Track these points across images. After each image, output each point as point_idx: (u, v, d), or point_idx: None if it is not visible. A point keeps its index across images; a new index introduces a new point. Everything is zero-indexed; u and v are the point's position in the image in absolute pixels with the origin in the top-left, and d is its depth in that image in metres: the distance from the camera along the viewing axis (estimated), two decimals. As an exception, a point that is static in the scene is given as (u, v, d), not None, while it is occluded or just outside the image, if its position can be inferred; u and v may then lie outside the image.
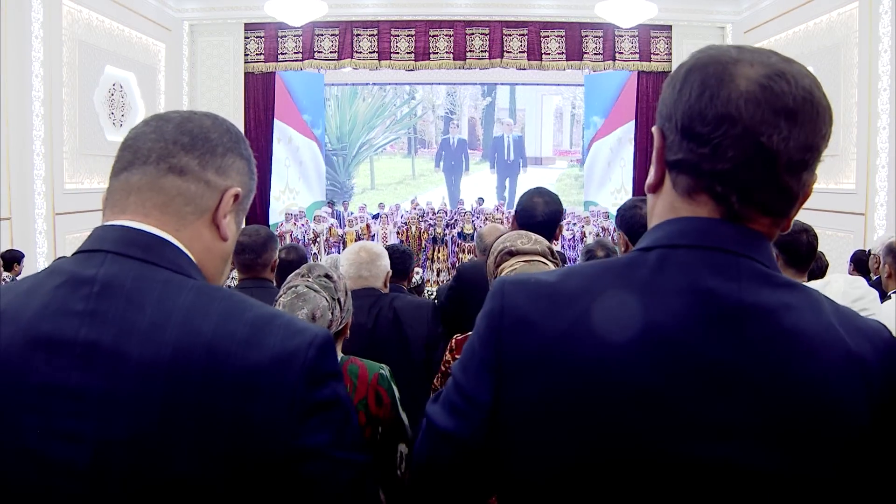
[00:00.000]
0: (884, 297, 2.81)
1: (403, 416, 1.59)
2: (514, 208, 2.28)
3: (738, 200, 0.65)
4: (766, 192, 0.65)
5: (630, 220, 2.08)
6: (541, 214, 2.13)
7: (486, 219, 9.87)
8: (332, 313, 1.51)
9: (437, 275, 9.81)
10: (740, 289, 0.63)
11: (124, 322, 0.65)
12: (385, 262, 2.22)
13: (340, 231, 9.80)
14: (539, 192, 2.21)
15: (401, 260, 2.80)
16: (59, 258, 0.73)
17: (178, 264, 0.71)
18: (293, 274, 1.60)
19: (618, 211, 2.20)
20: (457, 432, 0.70)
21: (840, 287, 2.09)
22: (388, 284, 2.26)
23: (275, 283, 3.06)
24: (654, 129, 0.70)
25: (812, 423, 0.62)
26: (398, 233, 10.13)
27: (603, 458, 0.62)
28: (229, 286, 3.65)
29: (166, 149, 0.73)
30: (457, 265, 7.70)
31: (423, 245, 10.11)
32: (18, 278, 4.66)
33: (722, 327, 0.62)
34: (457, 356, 1.67)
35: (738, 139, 0.63)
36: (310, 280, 1.54)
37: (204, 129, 0.75)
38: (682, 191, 0.68)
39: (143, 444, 0.62)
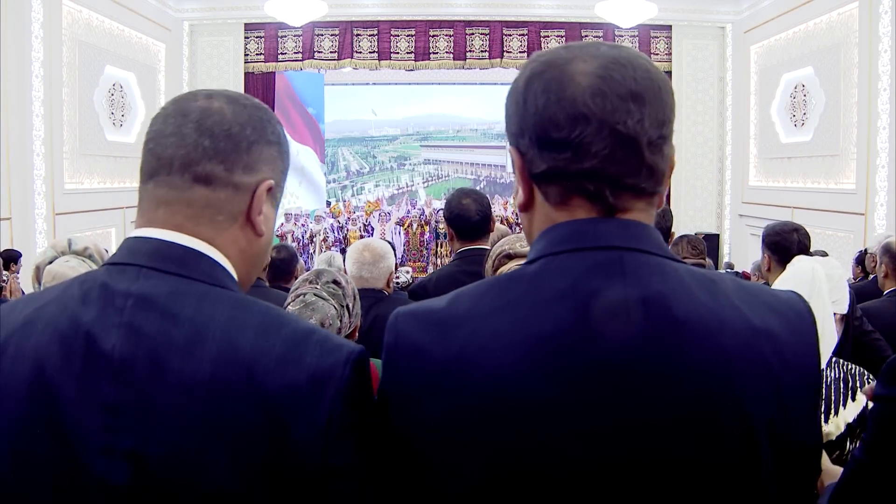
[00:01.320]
0: (879, 295, 2.82)
1: None
2: (444, 214, 2.31)
3: (611, 192, 0.65)
4: (635, 175, 0.65)
5: None
6: (475, 213, 2.18)
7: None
8: (341, 321, 1.51)
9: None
10: (625, 283, 0.63)
11: (160, 337, 0.64)
12: (388, 262, 2.21)
13: (333, 235, 9.79)
14: (465, 193, 2.26)
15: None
16: (88, 272, 0.71)
17: (214, 276, 0.69)
18: (301, 279, 1.59)
19: None
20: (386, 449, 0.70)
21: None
22: (391, 284, 2.25)
23: (267, 283, 3.05)
24: (509, 148, 0.70)
25: (716, 405, 0.61)
26: (405, 232, 10.13)
27: (513, 474, 0.62)
28: None
29: (188, 156, 0.69)
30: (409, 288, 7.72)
31: (425, 242, 10.11)
32: (18, 276, 4.66)
33: (609, 325, 0.62)
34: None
35: (596, 133, 0.63)
36: (318, 287, 1.53)
37: (225, 124, 0.70)
38: (554, 200, 0.68)
39: (182, 459, 0.62)
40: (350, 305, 1.55)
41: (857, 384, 1.60)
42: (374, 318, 2.07)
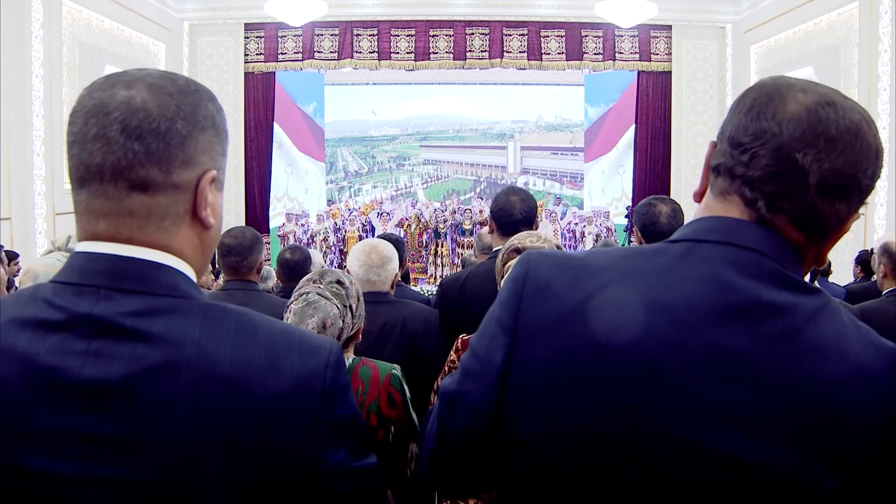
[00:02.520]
0: (878, 296, 2.82)
1: (414, 415, 1.59)
2: (490, 209, 2.34)
3: (765, 206, 0.67)
4: (793, 204, 0.67)
5: (644, 216, 2.12)
6: (519, 212, 2.20)
7: (478, 221, 9.86)
8: (343, 320, 1.50)
9: (442, 269, 9.85)
10: (759, 286, 0.65)
11: (133, 361, 0.61)
12: (395, 264, 2.20)
13: (333, 234, 9.80)
14: (514, 190, 2.29)
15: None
16: (32, 286, 0.67)
17: (177, 287, 0.66)
18: (304, 279, 1.58)
19: (634, 209, 2.25)
20: (468, 394, 0.73)
21: None
22: (393, 287, 2.24)
23: (272, 284, 3.03)
24: (710, 143, 0.74)
25: (815, 426, 0.62)
26: (404, 233, 10.13)
27: (603, 431, 0.64)
28: (210, 289, 3.63)
29: (119, 164, 0.63)
30: (441, 280, 7.70)
31: (424, 242, 10.12)
32: (16, 278, 4.65)
33: (736, 319, 0.64)
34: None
35: (774, 151, 0.66)
36: (321, 287, 1.52)
37: (153, 121, 0.64)
38: (717, 192, 0.71)
39: (170, 483, 0.61)
40: (353, 306, 1.54)
41: None
42: (384, 323, 2.04)
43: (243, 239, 2.39)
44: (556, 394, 0.66)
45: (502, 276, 1.83)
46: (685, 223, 0.74)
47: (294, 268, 3.13)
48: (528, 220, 2.21)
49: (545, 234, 1.74)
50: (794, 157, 0.65)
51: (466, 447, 0.75)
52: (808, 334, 0.64)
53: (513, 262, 1.72)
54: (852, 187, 0.67)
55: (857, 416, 0.63)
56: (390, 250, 2.22)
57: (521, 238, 1.67)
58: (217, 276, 4.26)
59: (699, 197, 0.75)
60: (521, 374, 0.68)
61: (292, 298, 1.53)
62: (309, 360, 0.66)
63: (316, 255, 4.15)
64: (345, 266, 3.32)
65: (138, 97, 0.64)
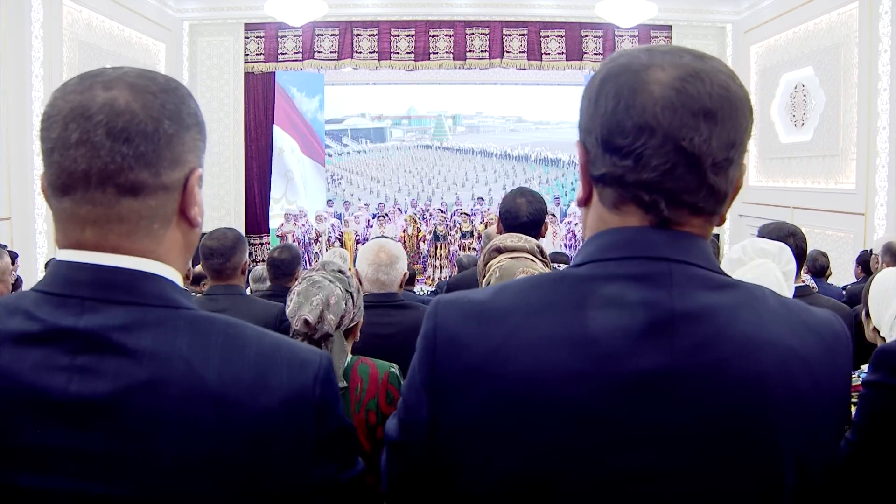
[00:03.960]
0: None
1: None
2: (498, 210, 2.32)
3: (666, 205, 0.64)
4: (694, 194, 0.64)
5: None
6: (525, 215, 2.16)
7: (487, 221, 9.87)
8: (346, 304, 1.54)
9: (441, 271, 9.86)
10: (671, 296, 0.62)
11: (119, 377, 0.60)
12: (403, 264, 2.19)
13: (335, 232, 9.80)
14: (522, 192, 2.25)
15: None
16: (12, 294, 0.66)
17: (164, 296, 0.64)
18: (308, 269, 1.64)
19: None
20: (406, 444, 0.71)
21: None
22: (402, 287, 2.22)
23: (253, 284, 3.01)
24: (576, 143, 0.70)
25: (748, 425, 0.61)
26: (403, 233, 10.14)
27: (542, 473, 0.62)
28: (200, 292, 3.59)
29: (107, 168, 0.61)
30: (447, 278, 7.72)
31: (420, 245, 10.13)
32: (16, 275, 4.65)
33: (653, 337, 0.61)
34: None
35: (660, 147, 0.62)
36: (324, 272, 1.58)
37: (139, 123, 0.62)
38: (609, 203, 0.67)
39: (155, 500, 0.60)
40: (354, 295, 1.58)
41: None
42: (410, 326, 2.00)
43: (225, 240, 2.36)
44: (486, 445, 0.63)
45: (483, 276, 1.84)
46: (586, 241, 0.70)
47: (280, 266, 3.15)
48: (535, 222, 2.16)
49: (526, 236, 1.75)
50: (682, 146, 0.62)
51: (415, 490, 0.73)
52: (731, 333, 0.62)
53: (494, 262, 1.73)
54: (740, 150, 0.65)
55: (793, 405, 0.62)
56: (399, 250, 2.21)
57: (503, 238, 1.68)
58: (197, 282, 4.19)
59: (584, 203, 0.71)
60: (447, 428, 0.66)
61: (297, 282, 1.57)
62: (298, 374, 0.65)
63: (346, 254, 4.18)
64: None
65: (121, 98, 0.62)
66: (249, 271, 3.49)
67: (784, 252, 1.72)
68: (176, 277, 0.68)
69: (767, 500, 0.62)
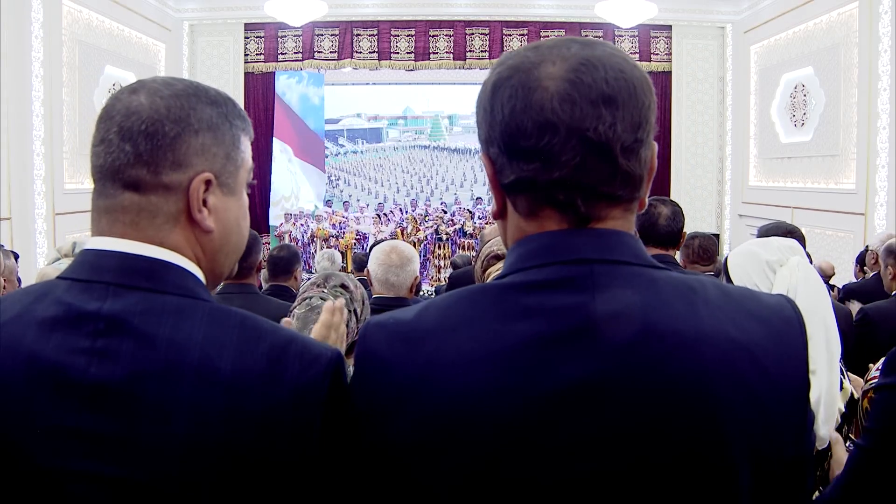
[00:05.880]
0: (880, 293, 2.81)
1: None
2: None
3: (583, 202, 0.62)
4: (609, 183, 0.62)
5: (644, 217, 2.06)
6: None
7: (488, 221, 9.87)
8: (348, 325, 1.50)
9: (439, 272, 9.87)
10: (595, 298, 0.60)
11: (136, 362, 0.62)
12: (414, 266, 2.15)
13: (332, 231, 9.81)
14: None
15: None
16: (45, 281, 0.69)
17: (185, 287, 0.67)
18: (308, 283, 1.57)
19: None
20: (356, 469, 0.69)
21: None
22: (413, 290, 2.17)
23: (265, 283, 3.03)
24: (481, 156, 0.67)
25: (691, 423, 0.58)
26: (399, 232, 10.14)
27: (477, 490, 0.60)
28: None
29: (115, 164, 0.67)
30: (449, 275, 7.72)
31: (419, 245, 10.13)
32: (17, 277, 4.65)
33: (575, 343, 0.59)
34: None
35: (565, 142, 0.60)
36: (325, 291, 1.51)
37: (143, 123, 0.66)
38: (524, 211, 0.65)
39: (165, 484, 0.61)
40: (358, 310, 1.52)
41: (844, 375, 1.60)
42: None
43: None
44: (424, 466, 0.61)
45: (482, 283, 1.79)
46: (507, 252, 0.68)
47: (278, 264, 3.17)
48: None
49: None
50: (587, 137, 0.59)
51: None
52: (663, 330, 0.59)
53: (493, 269, 1.69)
54: (647, 129, 0.63)
55: (745, 397, 0.59)
56: (411, 252, 2.16)
57: (500, 243, 1.61)
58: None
59: (499, 215, 0.69)
60: (381, 453, 0.64)
61: (296, 303, 1.53)
62: (309, 368, 0.66)
63: (335, 255, 4.16)
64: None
65: (135, 102, 0.68)
66: (261, 270, 3.50)
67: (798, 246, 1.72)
68: (197, 272, 0.70)
69: (721, 498, 0.59)
